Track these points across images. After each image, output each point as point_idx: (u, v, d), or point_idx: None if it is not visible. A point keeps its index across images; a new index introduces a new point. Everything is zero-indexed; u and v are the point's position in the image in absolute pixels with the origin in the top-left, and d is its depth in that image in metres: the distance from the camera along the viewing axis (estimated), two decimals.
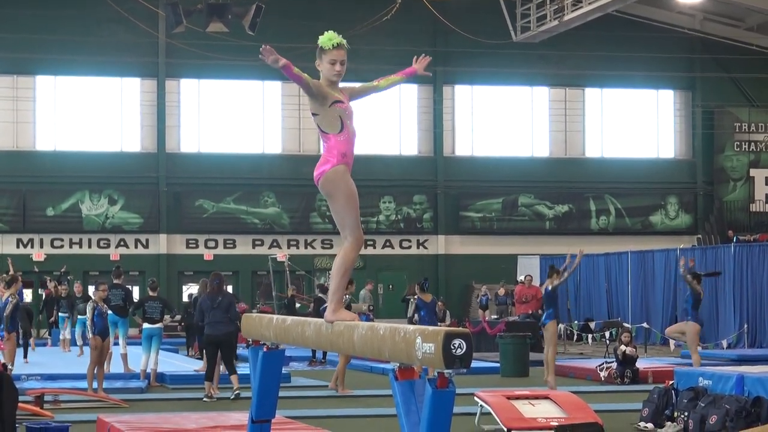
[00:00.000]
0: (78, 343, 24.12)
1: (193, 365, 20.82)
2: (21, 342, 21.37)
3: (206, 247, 37.39)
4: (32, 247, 36.17)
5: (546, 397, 13.18)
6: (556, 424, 12.13)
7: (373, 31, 33.73)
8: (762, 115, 40.94)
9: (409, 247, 38.85)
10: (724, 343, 26.71)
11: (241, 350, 19.12)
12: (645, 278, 30.94)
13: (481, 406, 13.15)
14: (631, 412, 14.33)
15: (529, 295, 26.75)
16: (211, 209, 37.27)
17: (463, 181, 38.93)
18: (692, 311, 18.33)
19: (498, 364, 21.36)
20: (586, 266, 33.18)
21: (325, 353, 23.87)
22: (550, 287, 20.07)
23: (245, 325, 8.07)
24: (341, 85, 6.55)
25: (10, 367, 16.53)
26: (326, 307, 6.61)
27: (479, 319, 30.97)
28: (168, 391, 18.06)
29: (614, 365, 19.56)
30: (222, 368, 17.27)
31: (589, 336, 28.68)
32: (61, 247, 36.32)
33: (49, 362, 22.03)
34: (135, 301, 21.01)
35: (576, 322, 30.18)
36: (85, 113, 36.77)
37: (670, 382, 13.64)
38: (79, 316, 24.08)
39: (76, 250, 36.37)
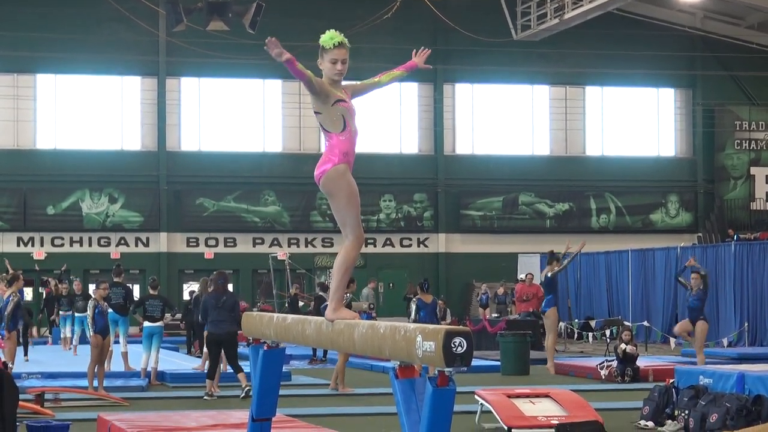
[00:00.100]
0: (74, 342, 24.12)
1: (193, 364, 20.81)
2: (21, 341, 21.36)
3: (207, 245, 37.40)
4: (33, 245, 36.17)
5: (546, 396, 13.17)
6: (557, 422, 12.13)
7: (374, 30, 33.74)
8: (762, 113, 40.94)
9: (410, 245, 38.86)
10: (725, 341, 26.70)
11: (241, 349, 19.11)
12: (645, 277, 30.94)
13: (481, 404, 13.15)
14: (632, 410, 14.32)
15: (529, 294, 26.72)
16: (211, 208, 37.28)
17: (463, 179, 38.94)
18: (702, 310, 18.38)
19: (498, 363, 21.35)
20: (586, 265, 33.22)
21: (325, 352, 23.87)
22: (549, 274, 20.09)
23: (246, 323, 8.08)
24: (343, 83, 6.55)
25: (10, 365, 16.54)
26: (327, 305, 6.62)
27: (480, 317, 30.98)
28: (168, 389, 18.06)
29: (615, 363, 19.55)
30: (222, 367, 17.29)
31: (590, 334, 28.71)
32: (62, 245, 36.33)
33: (50, 361, 22.03)
34: (135, 299, 21.01)
35: (576, 320, 30.21)
36: (85, 112, 36.78)
37: (671, 381, 13.63)
38: (77, 314, 24.10)
39: (76, 248, 36.37)
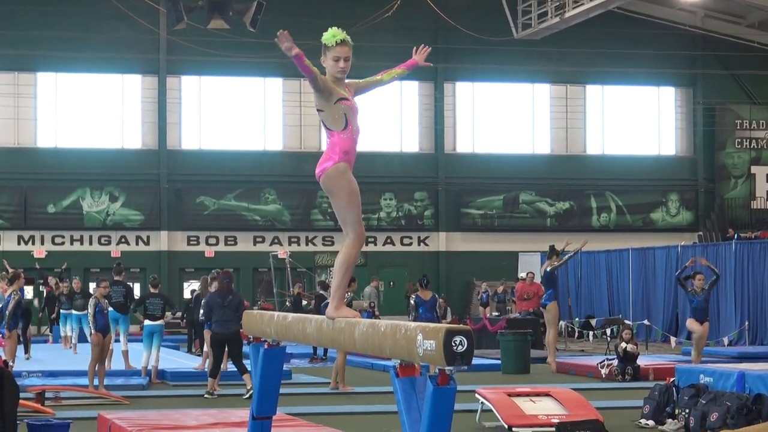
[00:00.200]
0: (73, 341, 24.14)
1: (194, 362, 20.81)
2: (21, 339, 21.37)
3: (207, 244, 37.41)
4: (33, 244, 36.17)
5: (547, 394, 13.17)
6: (557, 421, 12.12)
7: (374, 28, 33.74)
8: (763, 112, 40.94)
9: (410, 244, 38.86)
10: (725, 340, 26.71)
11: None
12: (646, 275, 30.95)
13: (482, 403, 13.15)
14: (632, 409, 14.32)
15: (530, 292, 26.73)
16: (212, 206, 37.29)
17: (464, 178, 38.93)
18: (708, 311, 18.39)
19: (499, 361, 21.36)
20: (587, 263, 33.23)
21: (326, 350, 23.86)
22: (549, 268, 20.07)
23: (246, 322, 8.07)
24: (346, 80, 6.56)
25: (11, 364, 16.56)
26: (328, 303, 6.62)
27: (480, 316, 30.98)
28: (169, 388, 18.06)
29: (615, 362, 19.55)
30: (222, 365, 17.29)
31: (590, 333, 28.68)
32: (62, 244, 36.34)
33: (50, 359, 22.03)
34: (136, 298, 21.02)
35: (577, 319, 30.19)
36: (86, 110, 36.77)
37: (671, 379, 13.63)
38: (75, 312, 24.11)
39: (77, 247, 36.38)
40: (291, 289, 30.63)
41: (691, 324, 18.59)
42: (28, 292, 33.90)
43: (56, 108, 36.68)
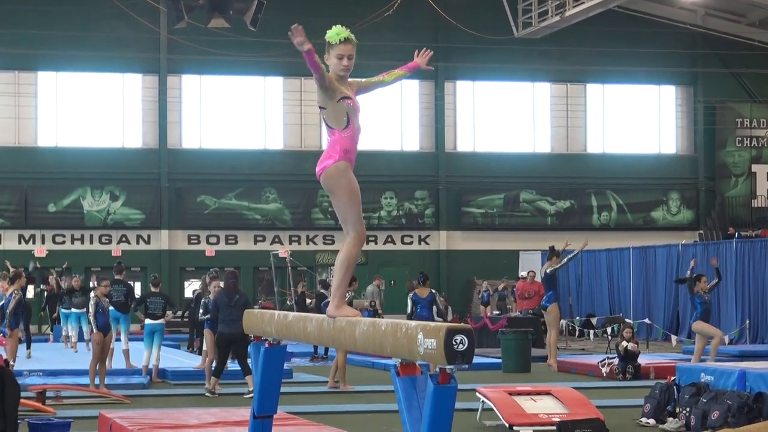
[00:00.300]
0: (73, 340, 24.13)
1: (195, 361, 20.81)
2: (23, 338, 21.37)
3: (208, 243, 37.42)
4: (34, 243, 36.17)
5: (548, 393, 13.17)
6: (558, 419, 12.12)
7: (375, 27, 33.70)
8: (764, 110, 40.94)
9: (411, 242, 38.86)
10: (726, 338, 26.66)
11: None
12: (647, 274, 30.95)
13: (482, 401, 13.15)
14: (633, 407, 14.31)
15: (531, 291, 26.71)
16: (212, 205, 37.29)
17: (464, 176, 38.94)
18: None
19: (500, 360, 21.36)
20: (587, 262, 33.23)
21: (326, 349, 23.86)
22: (549, 270, 20.05)
23: (247, 321, 8.07)
24: (349, 79, 6.56)
25: (12, 363, 16.56)
26: (328, 302, 6.61)
27: (481, 314, 30.98)
28: (170, 387, 18.07)
29: (616, 361, 19.55)
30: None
31: (591, 332, 28.70)
32: (63, 243, 36.34)
33: (51, 358, 22.04)
34: (137, 297, 21.02)
35: (578, 317, 30.21)
36: (86, 109, 36.78)
37: (672, 378, 13.62)
38: (74, 310, 24.12)
39: (77, 246, 36.39)
40: (292, 289, 30.64)
41: (708, 327, 18.51)
42: (29, 291, 33.89)
43: (57, 107, 36.68)
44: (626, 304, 31.09)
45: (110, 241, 36.76)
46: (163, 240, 36.90)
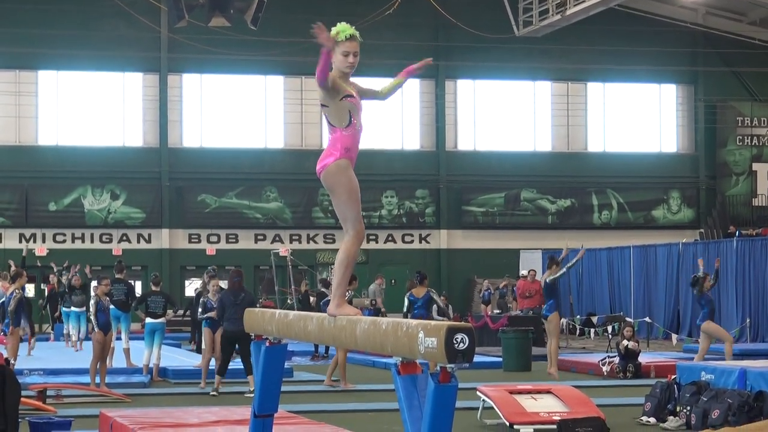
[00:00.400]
0: (74, 339, 24.12)
1: (195, 360, 20.80)
2: (24, 337, 21.36)
3: (208, 241, 37.41)
4: (34, 241, 36.16)
5: (548, 392, 13.17)
6: (559, 418, 12.13)
7: (375, 26, 33.64)
8: (764, 109, 40.92)
9: (412, 241, 38.85)
10: None
11: None
12: (647, 273, 30.94)
13: (483, 400, 13.15)
14: (634, 406, 14.32)
15: (532, 290, 26.72)
16: (213, 204, 37.29)
17: (465, 175, 38.92)
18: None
19: (500, 359, 21.37)
20: (588, 261, 33.20)
21: (327, 348, 23.86)
22: (549, 279, 20.03)
23: (248, 319, 8.07)
24: (351, 79, 6.57)
25: (12, 361, 16.56)
26: (329, 301, 6.62)
27: (482, 313, 30.98)
28: (171, 385, 18.07)
29: (617, 360, 19.55)
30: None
31: (592, 330, 28.69)
32: (64, 242, 36.34)
33: (52, 357, 22.04)
34: (137, 295, 21.02)
35: (578, 316, 30.20)
36: (87, 108, 36.77)
37: (673, 377, 13.63)
38: (73, 309, 24.12)
39: (78, 245, 36.39)
40: (293, 287, 30.64)
41: (718, 330, 18.49)
42: (30, 290, 33.89)
43: (57, 106, 36.68)
44: (627, 303, 31.10)
45: (111, 240, 36.75)
46: (163, 239, 36.90)
